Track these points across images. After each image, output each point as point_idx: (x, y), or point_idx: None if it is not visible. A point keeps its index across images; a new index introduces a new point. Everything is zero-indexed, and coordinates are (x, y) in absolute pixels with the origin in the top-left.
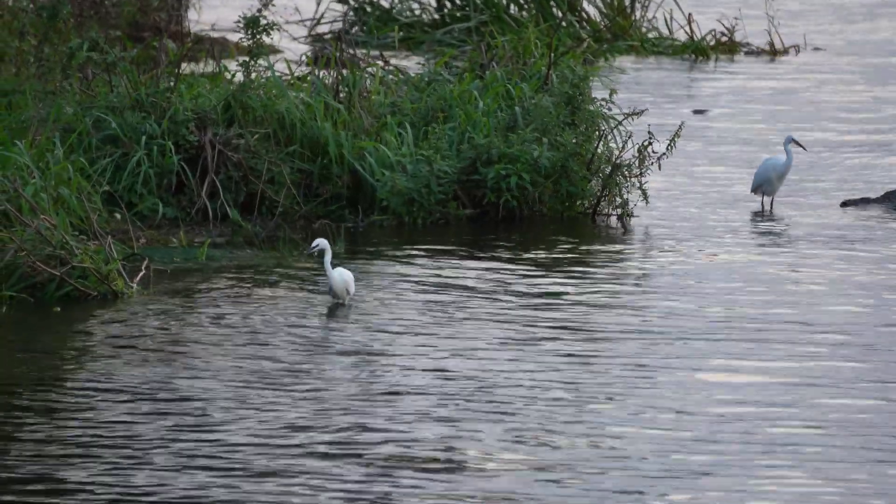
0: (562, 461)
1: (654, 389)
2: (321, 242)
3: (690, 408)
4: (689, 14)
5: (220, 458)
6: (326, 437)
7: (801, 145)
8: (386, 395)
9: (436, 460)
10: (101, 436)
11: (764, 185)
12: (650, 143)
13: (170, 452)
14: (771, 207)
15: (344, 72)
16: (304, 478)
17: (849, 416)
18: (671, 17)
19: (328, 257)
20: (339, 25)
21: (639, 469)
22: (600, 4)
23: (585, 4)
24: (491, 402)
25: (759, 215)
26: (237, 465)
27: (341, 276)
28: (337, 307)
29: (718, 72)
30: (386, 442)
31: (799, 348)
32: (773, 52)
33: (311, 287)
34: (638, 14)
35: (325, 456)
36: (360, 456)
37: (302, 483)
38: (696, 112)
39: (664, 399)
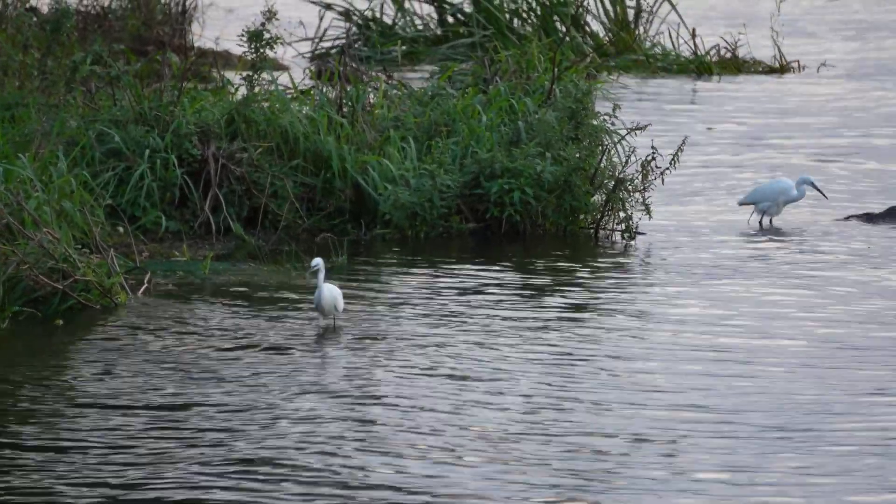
0: (563, 486)
1: (652, 409)
2: (320, 263)
3: (696, 434)
4: (693, 29)
5: (220, 472)
6: (325, 452)
7: (820, 191)
8: (386, 407)
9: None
10: (101, 446)
11: (767, 204)
12: (653, 158)
13: (168, 467)
14: (770, 224)
15: (347, 86)
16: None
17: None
18: (678, 34)
19: (321, 276)
20: (342, 40)
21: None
22: (604, 19)
23: (589, 19)
24: (490, 417)
25: (759, 230)
26: (236, 482)
27: (330, 292)
28: (333, 323)
29: (722, 87)
30: (387, 456)
31: (799, 366)
32: (777, 69)
33: (312, 302)
34: (641, 29)
35: (320, 468)
36: (360, 469)
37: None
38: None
39: (663, 420)
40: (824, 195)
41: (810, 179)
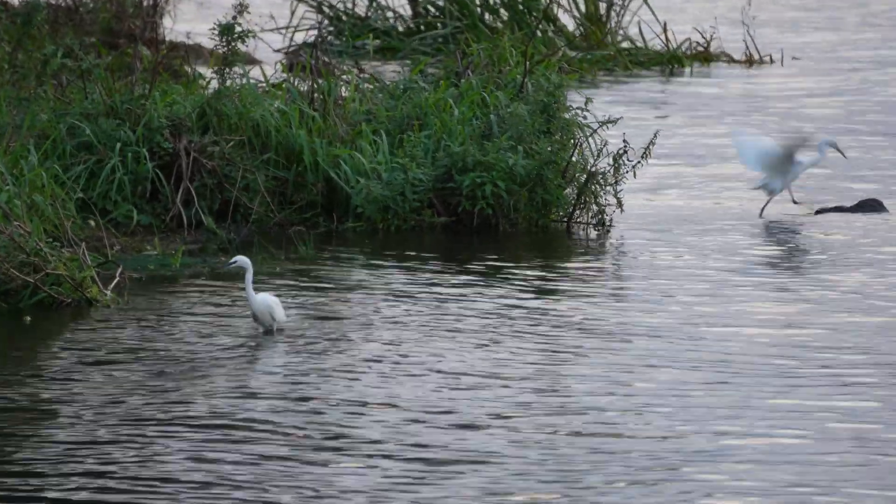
0: (525, 480)
1: (623, 401)
2: (240, 259)
3: (667, 430)
4: (665, 23)
5: (189, 469)
6: (287, 445)
7: (841, 152)
8: (352, 403)
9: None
10: (72, 442)
11: (777, 183)
12: (625, 152)
13: (134, 461)
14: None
15: (319, 79)
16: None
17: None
18: (648, 27)
19: (249, 277)
20: (314, 33)
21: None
22: (576, 13)
23: (560, 13)
24: (455, 412)
25: (759, 216)
26: (201, 479)
27: (265, 301)
28: (272, 329)
29: (694, 81)
30: (350, 453)
31: (766, 358)
32: (749, 62)
33: (283, 296)
34: (613, 23)
35: (284, 459)
36: (321, 462)
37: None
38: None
39: (635, 417)
40: (844, 155)
41: (833, 140)
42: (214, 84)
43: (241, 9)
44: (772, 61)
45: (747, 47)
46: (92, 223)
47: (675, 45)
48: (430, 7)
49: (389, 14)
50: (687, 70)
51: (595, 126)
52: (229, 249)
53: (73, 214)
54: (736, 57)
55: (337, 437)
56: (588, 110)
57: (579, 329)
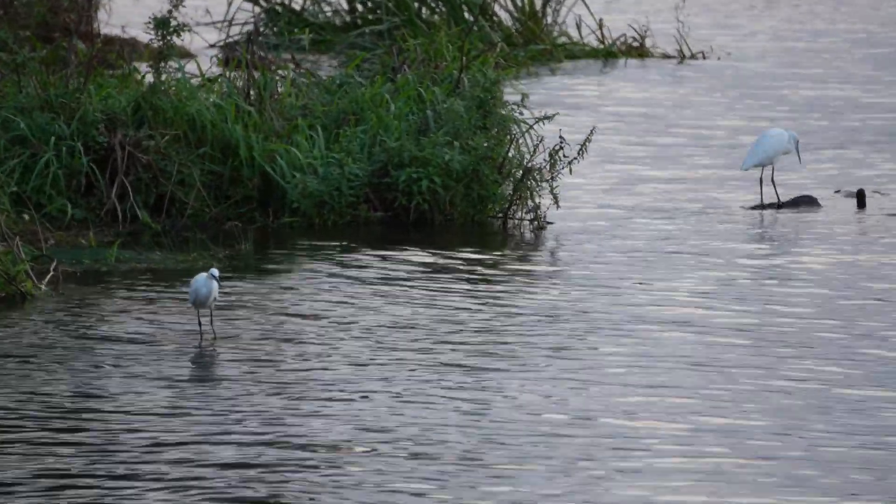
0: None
1: (558, 398)
2: (213, 272)
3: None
4: (601, 19)
5: (127, 464)
6: (232, 443)
7: (798, 154)
8: (286, 398)
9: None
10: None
11: (766, 160)
12: (561, 148)
13: (73, 462)
14: (770, 184)
15: (255, 74)
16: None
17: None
18: (581, 22)
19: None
20: (249, 28)
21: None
22: (512, 9)
23: (497, 8)
24: (388, 411)
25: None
26: (142, 476)
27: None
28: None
29: (627, 77)
30: (281, 445)
31: (699, 349)
32: (682, 58)
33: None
34: (549, 18)
35: (226, 465)
36: (236, 460)
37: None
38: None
39: (571, 414)
40: (799, 158)
41: (796, 137)
42: (150, 78)
43: (177, 2)
44: (704, 57)
45: (679, 44)
46: (26, 217)
47: (610, 41)
48: (367, 2)
49: (326, 8)
50: (620, 64)
51: (531, 121)
52: (164, 244)
53: (7, 209)
54: (669, 53)
55: (283, 428)
56: (525, 106)
57: (511, 324)
